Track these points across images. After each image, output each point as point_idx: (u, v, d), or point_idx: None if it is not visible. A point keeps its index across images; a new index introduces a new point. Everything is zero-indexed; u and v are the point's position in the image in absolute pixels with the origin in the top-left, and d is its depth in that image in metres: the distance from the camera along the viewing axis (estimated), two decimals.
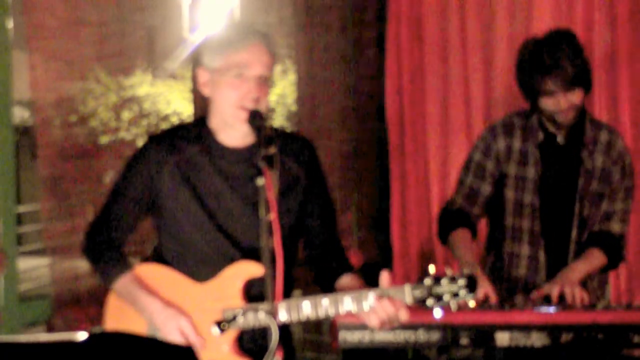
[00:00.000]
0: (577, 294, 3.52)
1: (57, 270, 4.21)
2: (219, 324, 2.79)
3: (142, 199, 3.08)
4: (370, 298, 2.77)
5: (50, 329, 4.13)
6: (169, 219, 3.07)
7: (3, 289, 3.84)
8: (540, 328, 3.34)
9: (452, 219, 3.87)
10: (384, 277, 2.79)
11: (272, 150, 2.96)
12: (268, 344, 2.60)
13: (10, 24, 3.96)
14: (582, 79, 3.67)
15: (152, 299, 2.98)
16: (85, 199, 4.36)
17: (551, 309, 3.45)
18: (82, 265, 4.30)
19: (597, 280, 3.87)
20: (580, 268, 3.70)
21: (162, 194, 3.05)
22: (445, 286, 2.70)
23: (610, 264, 3.82)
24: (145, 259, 3.17)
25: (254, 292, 2.91)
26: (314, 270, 3.17)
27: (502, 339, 3.36)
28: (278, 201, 2.95)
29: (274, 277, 2.69)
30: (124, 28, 4.67)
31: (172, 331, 2.91)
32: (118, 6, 4.62)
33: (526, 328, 3.35)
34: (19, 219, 4.17)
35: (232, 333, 2.91)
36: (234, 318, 2.78)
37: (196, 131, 3.07)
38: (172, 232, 3.08)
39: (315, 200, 3.13)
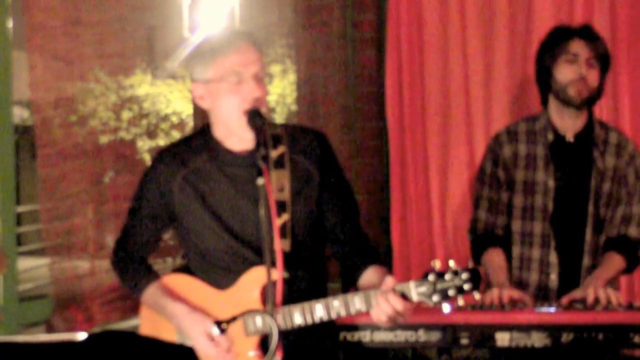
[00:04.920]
0: (613, 297, 3.52)
1: (56, 270, 4.20)
2: (218, 324, 2.78)
3: (158, 214, 3.10)
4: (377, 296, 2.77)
5: (50, 329, 4.12)
6: (186, 230, 3.08)
7: (3, 289, 3.84)
8: (541, 328, 3.34)
9: (481, 242, 3.90)
10: (389, 279, 2.79)
11: (281, 149, 2.96)
12: (269, 345, 2.60)
13: (10, 23, 3.96)
14: (604, 58, 3.77)
15: (178, 305, 3.00)
16: (85, 198, 4.36)
17: (551, 309, 3.45)
18: (81, 265, 4.30)
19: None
20: (604, 274, 3.71)
21: (175, 208, 3.06)
22: (449, 281, 2.68)
23: (628, 268, 3.83)
24: (176, 270, 3.19)
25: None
26: (341, 265, 3.12)
27: (503, 339, 3.36)
28: (292, 201, 2.96)
29: (274, 279, 2.70)
30: (123, 28, 4.67)
31: (199, 336, 2.91)
32: (118, 6, 4.63)
33: (526, 328, 3.35)
34: (19, 219, 4.16)
35: (255, 338, 2.92)
36: (235, 318, 2.77)
37: (202, 141, 3.05)
38: (191, 243, 3.08)
39: (331, 195, 3.05)
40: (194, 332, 2.93)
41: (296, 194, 2.98)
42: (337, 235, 3.08)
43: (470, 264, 2.71)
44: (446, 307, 2.74)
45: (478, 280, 2.69)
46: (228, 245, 2.99)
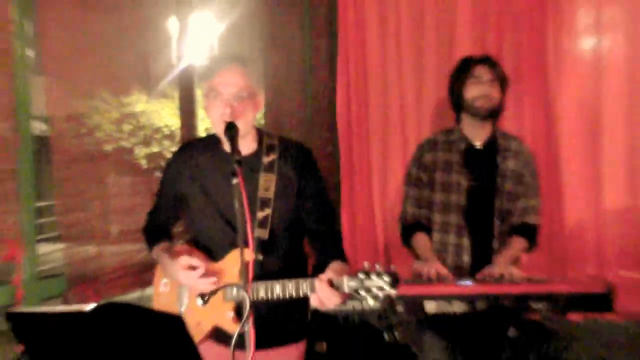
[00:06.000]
0: (515, 274, 3.58)
1: (70, 254, 4.19)
2: (202, 296, 2.81)
3: (173, 196, 3.17)
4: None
5: (65, 302, 4.11)
6: (189, 212, 3.13)
7: (26, 269, 3.83)
8: (460, 298, 3.39)
9: (409, 229, 3.94)
10: (329, 272, 2.83)
11: (272, 157, 3.00)
12: (243, 314, 2.63)
13: (31, 53, 3.94)
14: (502, 80, 3.87)
15: (169, 258, 3.04)
16: (92, 196, 4.35)
17: (469, 282, 3.49)
18: (90, 249, 4.29)
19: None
20: (509, 254, 3.76)
21: (182, 193, 3.12)
22: (374, 280, 2.70)
23: (529, 247, 3.89)
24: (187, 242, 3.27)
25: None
26: (315, 256, 3.14)
27: (430, 307, 3.39)
28: (275, 199, 2.99)
29: (246, 260, 2.73)
30: (124, 56, 4.65)
31: (179, 269, 2.96)
32: (119, 38, 4.61)
33: (449, 298, 3.39)
34: (39, 212, 4.14)
35: (232, 303, 2.96)
36: (215, 292, 2.80)
37: (211, 142, 3.11)
38: (191, 222, 3.14)
39: (309, 200, 3.06)
40: (174, 268, 2.97)
41: (279, 194, 3.02)
42: (313, 233, 3.11)
43: (393, 268, 2.73)
44: (370, 300, 2.75)
45: (396, 282, 2.71)
46: (220, 229, 3.04)
